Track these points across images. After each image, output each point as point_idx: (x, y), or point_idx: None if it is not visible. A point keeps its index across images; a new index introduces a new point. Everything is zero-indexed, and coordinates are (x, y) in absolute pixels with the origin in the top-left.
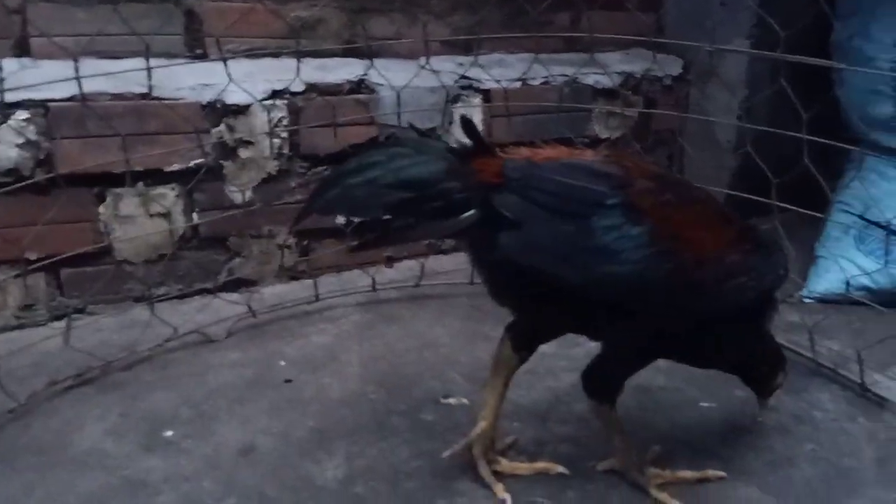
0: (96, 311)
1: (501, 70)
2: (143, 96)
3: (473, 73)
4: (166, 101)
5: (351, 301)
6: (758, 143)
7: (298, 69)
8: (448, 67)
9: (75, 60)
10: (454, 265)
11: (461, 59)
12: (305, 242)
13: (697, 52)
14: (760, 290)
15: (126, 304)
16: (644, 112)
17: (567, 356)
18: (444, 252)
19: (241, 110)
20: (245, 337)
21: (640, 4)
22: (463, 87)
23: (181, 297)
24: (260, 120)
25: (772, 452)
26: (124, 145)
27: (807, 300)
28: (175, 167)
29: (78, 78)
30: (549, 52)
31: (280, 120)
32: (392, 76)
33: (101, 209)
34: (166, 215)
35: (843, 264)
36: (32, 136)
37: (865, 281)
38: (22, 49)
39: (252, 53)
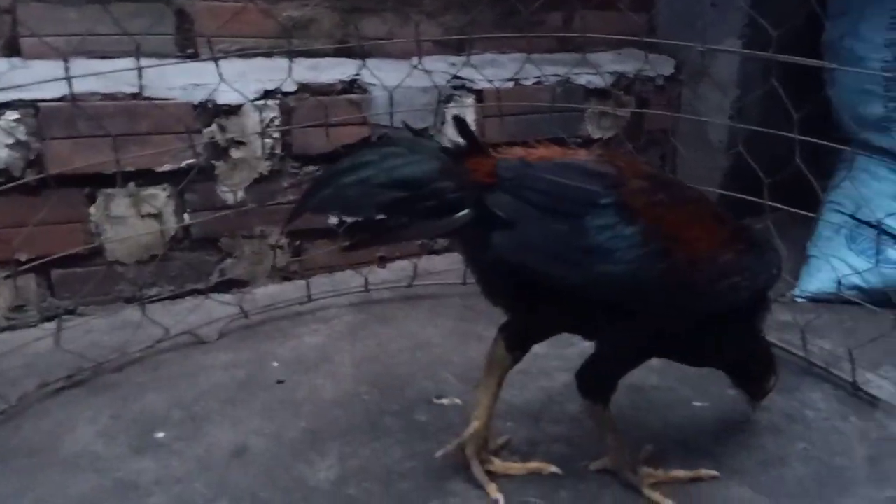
0: (87, 313)
1: (494, 70)
2: (134, 96)
3: (466, 73)
4: (157, 101)
5: (343, 301)
6: (749, 143)
7: (290, 69)
8: (440, 67)
9: (66, 60)
10: (447, 265)
11: (453, 59)
12: (298, 243)
13: (689, 53)
14: (754, 290)
15: (117, 305)
16: (636, 112)
17: (560, 356)
18: (437, 252)
19: (232, 110)
20: (237, 338)
21: (631, 5)
22: (455, 87)
23: (173, 297)
24: (252, 120)
25: (764, 451)
26: (115, 145)
27: (799, 299)
28: (166, 167)
29: (68, 78)
30: (542, 52)
31: (272, 120)
32: (384, 76)
33: (92, 210)
34: (157, 216)
35: (835, 264)
36: (23, 137)
37: (857, 280)
38: (12, 49)
39: (244, 53)
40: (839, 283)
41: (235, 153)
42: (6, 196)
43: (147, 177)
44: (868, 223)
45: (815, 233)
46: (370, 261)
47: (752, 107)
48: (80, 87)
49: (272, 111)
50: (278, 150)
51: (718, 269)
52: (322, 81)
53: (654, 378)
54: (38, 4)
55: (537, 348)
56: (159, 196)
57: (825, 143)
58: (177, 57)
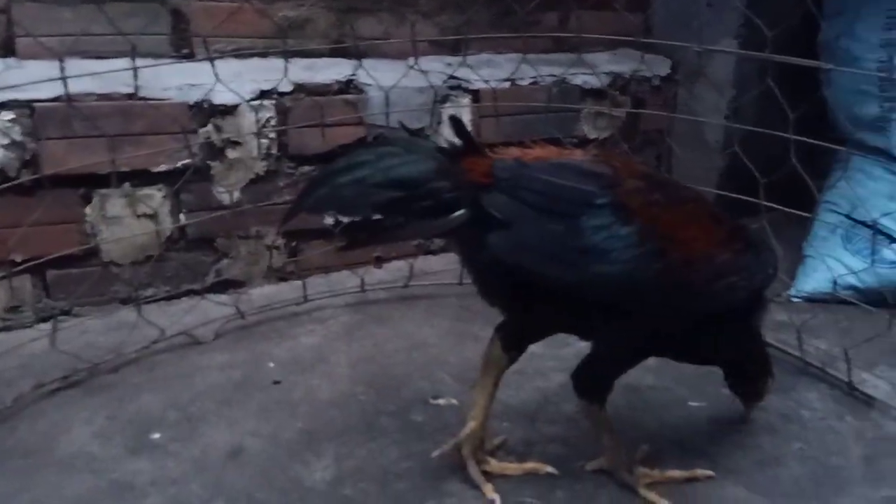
0: (83, 313)
1: (490, 70)
2: (130, 96)
3: (462, 73)
4: (153, 102)
5: (340, 302)
6: (745, 143)
7: (286, 69)
8: (436, 67)
9: (61, 60)
10: (443, 265)
11: (450, 59)
12: (294, 243)
13: (685, 53)
14: (751, 290)
15: (113, 305)
16: (632, 112)
17: (556, 356)
18: (433, 252)
19: (228, 110)
20: (233, 338)
21: (627, 5)
22: (451, 88)
23: (168, 298)
24: (248, 120)
25: (760, 451)
26: (111, 146)
27: (794, 299)
28: (162, 168)
29: (64, 78)
30: (538, 52)
31: (268, 120)
32: (380, 76)
33: (88, 210)
34: (153, 216)
35: (831, 263)
36: (18, 137)
37: (852, 280)
38: (7, 49)
39: (239, 53)
40: (835, 282)
41: (231, 153)
42: (1, 196)
43: (143, 177)
44: (864, 223)
45: (811, 233)
46: (366, 261)
47: (747, 107)
48: (75, 87)
49: (268, 111)
50: (274, 151)
51: (715, 268)
52: (318, 81)
53: (650, 378)
54: (33, 4)
55: (533, 348)
56: (155, 196)
57: (821, 143)
58: (172, 57)
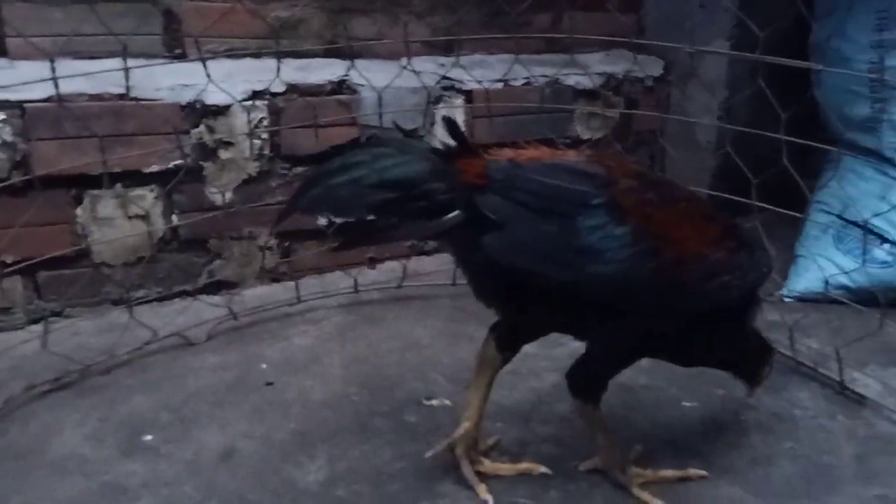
0: (74, 315)
1: (483, 71)
2: (121, 97)
3: (455, 73)
4: (145, 102)
5: (333, 303)
6: (737, 144)
7: (279, 69)
8: (429, 68)
9: (52, 61)
10: (436, 266)
11: (442, 59)
12: (287, 244)
13: (678, 53)
14: (744, 288)
15: (104, 307)
16: (625, 113)
17: (550, 356)
18: (427, 253)
19: (220, 111)
20: (226, 340)
21: (620, 5)
22: (445, 88)
23: (160, 299)
24: (240, 121)
25: (752, 450)
26: (102, 146)
27: (786, 299)
28: (154, 168)
29: (55, 78)
30: (530, 52)
31: (260, 121)
32: (373, 77)
33: (79, 211)
34: (145, 217)
35: (822, 263)
36: (9, 138)
37: (844, 280)
38: None
39: (232, 54)
40: (826, 282)
41: (223, 154)
42: None
43: (134, 178)
44: (855, 223)
45: (803, 233)
46: (359, 262)
47: (739, 107)
48: (66, 87)
49: (260, 112)
50: (267, 151)
51: (708, 267)
52: (311, 82)
53: (643, 378)
54: (24, 4)
55: (527, 349)
56: (147, 197)
57: (812, 143)
58: (164, 57)
